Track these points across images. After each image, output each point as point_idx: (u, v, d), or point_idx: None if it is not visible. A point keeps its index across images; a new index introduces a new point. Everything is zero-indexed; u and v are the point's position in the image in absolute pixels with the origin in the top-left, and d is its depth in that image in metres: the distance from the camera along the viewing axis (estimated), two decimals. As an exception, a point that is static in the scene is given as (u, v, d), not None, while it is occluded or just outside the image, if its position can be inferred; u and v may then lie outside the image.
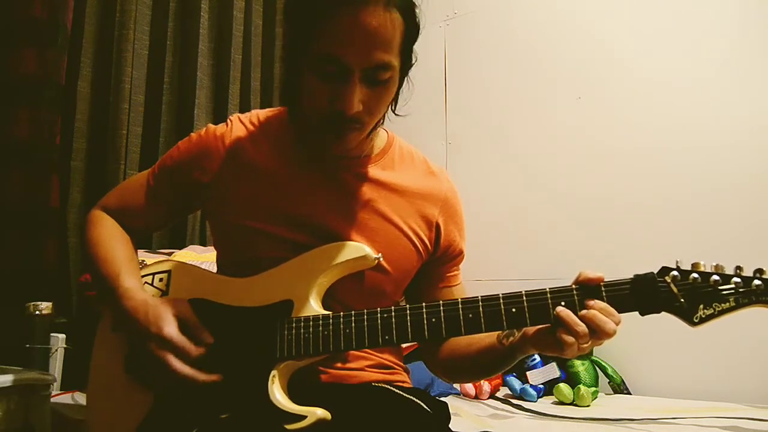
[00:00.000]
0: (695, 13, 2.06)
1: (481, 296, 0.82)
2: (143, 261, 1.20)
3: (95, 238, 1.03)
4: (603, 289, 0.78)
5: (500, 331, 0.90)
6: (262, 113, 1.05)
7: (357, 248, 0.90)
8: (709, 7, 2.04)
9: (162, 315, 0.87)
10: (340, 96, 0.83)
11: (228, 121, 1.04)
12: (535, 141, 2.35)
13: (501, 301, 0.81)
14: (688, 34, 2.07)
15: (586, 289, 0.79)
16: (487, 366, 0.97)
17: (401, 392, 0.95)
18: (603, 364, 1.97)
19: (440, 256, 1.04)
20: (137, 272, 0.99)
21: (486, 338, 0.93)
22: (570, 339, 0.76)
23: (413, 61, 0.90)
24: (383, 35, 0.81)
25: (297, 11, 0.85)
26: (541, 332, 0.83)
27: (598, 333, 0.76)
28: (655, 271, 0.77)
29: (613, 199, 2.13)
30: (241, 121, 1.03)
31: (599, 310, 0.77)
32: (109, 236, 1.03)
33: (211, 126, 1.04)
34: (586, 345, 0.77)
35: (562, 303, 0.79)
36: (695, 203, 1.97)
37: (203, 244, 2.27)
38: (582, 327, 0.76)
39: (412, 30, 0.86)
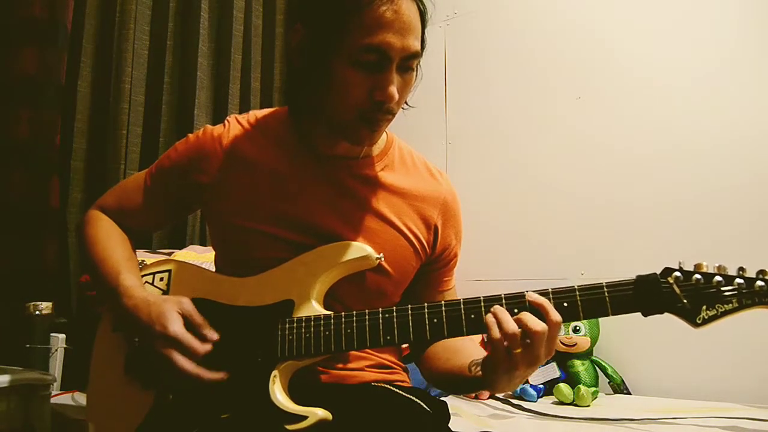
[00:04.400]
0: (695, 12, 2.06)
1: (483, 296, 0.82)
2: (143, 261, 1.20)
3: (93, 238, 1.03)
4: (606, 289, 0.78)
5: (474, 359, 0.90)
6: (260, 113, 1.05)
7: (359, 248, 0.91)
8: (709, 6, 2.04)
9: (165, 313, 0.87)
10: (379, 86, 0.84)
11: (225, 121, 1.04)
12: (535, 141, 2.35)
13: (503, 301, 0.81)
14: (688, 34, 2.06)
15: (588, 289, 0.78)
16: (455, 385, 0.98)
17: (401, 392, 0.95)
18: (603, 364, 1.97)
19: (436, 259, 1.04)
20: (137, 271, 0.99)
21: (464, 359, 0.93)
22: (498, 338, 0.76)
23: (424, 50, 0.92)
24: (415, 23, 0.85)
25: (327, 4, 0.85)
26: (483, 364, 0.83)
27: (527, 334, 0.76)
28: (658, 272, 0.77)
29: (614, 199, 2.13)
30: (238, 122, 1.03)
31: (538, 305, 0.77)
32: (107, 236, 1.03)
33: (209, 127, 1.04)
34: (518, 351, 0.76)
35: (565, 304, 0.78)
36: (697, 203, 1.97)
37: (203, 244, 2.27)
38: (503, 328, 0.76)
39: (425, 18, 0.89)
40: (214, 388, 0.85)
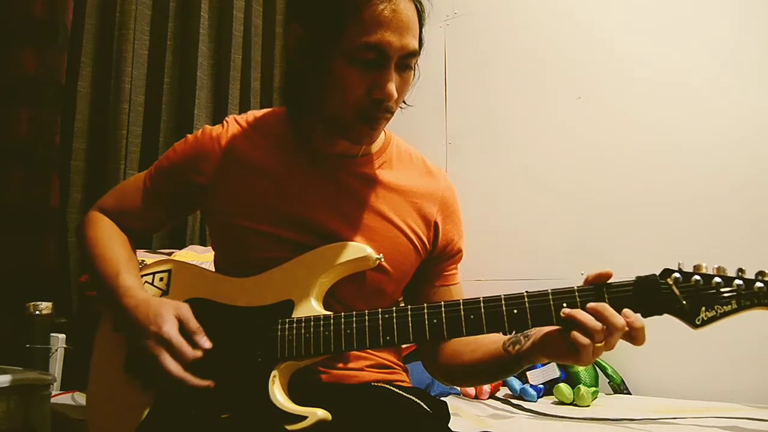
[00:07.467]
0: (696, 12, 2.06)
1: (483, 297, 0.82)
2: (143, 261, 1.20)
3: (94, 239, 1.03)
4: (605, 290, 0.78)
5: (506, 338, 0.90)
6: (259, 113, 1.05)
7: (358, 249, 0.90)
8: (709, 6, 2.04)
9: (162, 314, 0.87)
10: (378, 84, 0.85)
11: (224, 122, 1.04)
12: (535, 141, 2.35)
13: (503, 302, 0.81)
14: (688, 34, 2.06)
15: (588, 290, 0.79)
16: (491, 373, 0.96)
17: (401, 392, 0.95)
18: (603, 364, 1.97)
19: (438, 255, 1.04)
20: (137, 271, 1.00)
21: (490, 344, 0.93)
22: (585, 340, 0.73)
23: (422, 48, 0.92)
24: (413, 22, 0.85)
25: (325, 3, 0.86)
26: (550, 339, 0.81)
27: (609, 327, 0.74)
28: (657, 273, 0.77)
29: (614, 199, 2.13)
30: (237, 122, 1.03)
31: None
32: (108, 236, 1.03)
33: (207, 127, 1.04)
34: (600, 345, 0.75)
35: (565, 305, 0.78)
36: (696, 204, 1.97)
37: (203, 244, 2.27)
38: (596, 322, 0.74)
39: (423, 17, 0.89)
40: (213, 388, 0.85)
